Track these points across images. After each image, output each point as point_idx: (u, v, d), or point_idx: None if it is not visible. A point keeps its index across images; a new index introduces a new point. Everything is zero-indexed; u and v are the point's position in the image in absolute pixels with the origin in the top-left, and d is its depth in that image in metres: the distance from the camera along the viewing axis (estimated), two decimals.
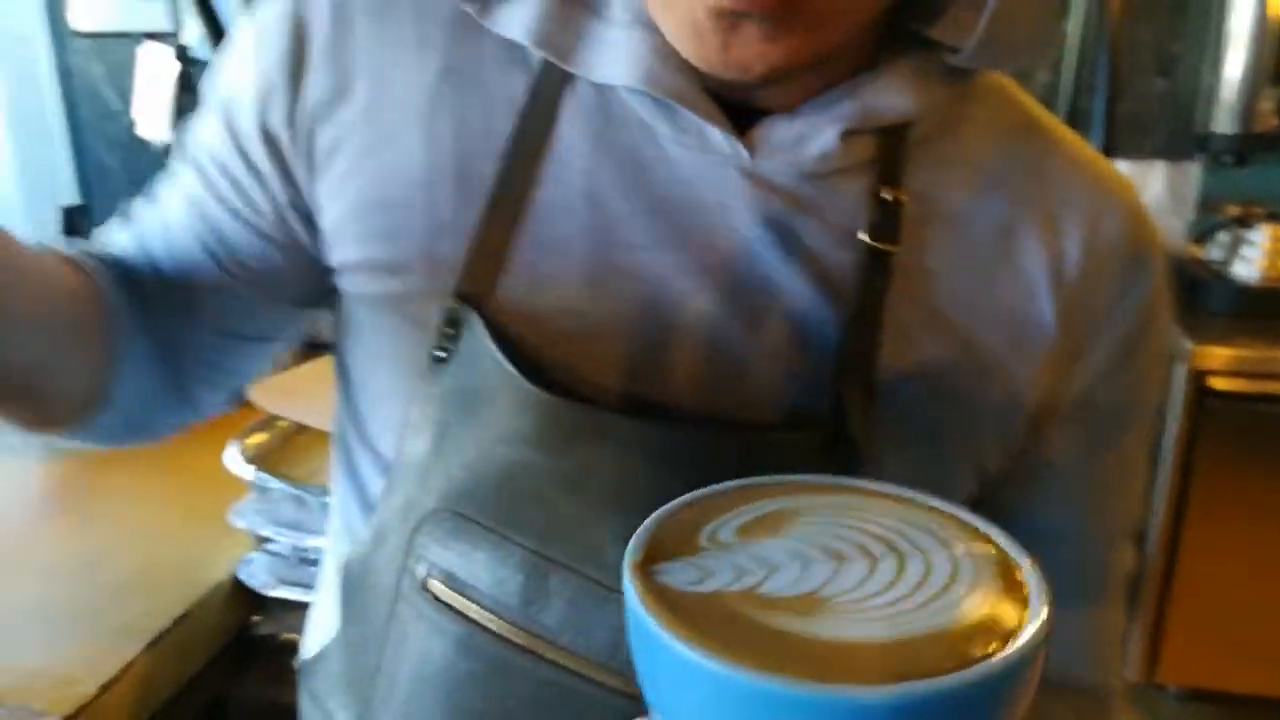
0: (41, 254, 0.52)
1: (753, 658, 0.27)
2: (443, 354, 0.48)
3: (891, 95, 0.48)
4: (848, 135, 0.47)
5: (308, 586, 1.00)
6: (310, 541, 1.00)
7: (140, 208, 0.59)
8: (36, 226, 2.07)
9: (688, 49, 0.43)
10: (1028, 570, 0.31)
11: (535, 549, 0.46)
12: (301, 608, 0.99)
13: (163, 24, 2.15)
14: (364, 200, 0.51)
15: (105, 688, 0.80)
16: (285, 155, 0.52)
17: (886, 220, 0.48)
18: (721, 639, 0.28)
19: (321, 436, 1.04)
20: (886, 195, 0.48)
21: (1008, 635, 0.28)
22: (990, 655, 0.27)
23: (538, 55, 0.49)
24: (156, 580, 0.97)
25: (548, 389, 0.46)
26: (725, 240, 0.48)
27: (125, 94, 2.07)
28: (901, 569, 0.31)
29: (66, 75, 2.47)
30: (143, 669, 0.85)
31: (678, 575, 0.31)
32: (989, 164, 0.51)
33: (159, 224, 0.57)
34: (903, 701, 0.26)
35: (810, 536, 0.33)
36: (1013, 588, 0.30)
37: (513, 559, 0.47)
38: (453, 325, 0.48)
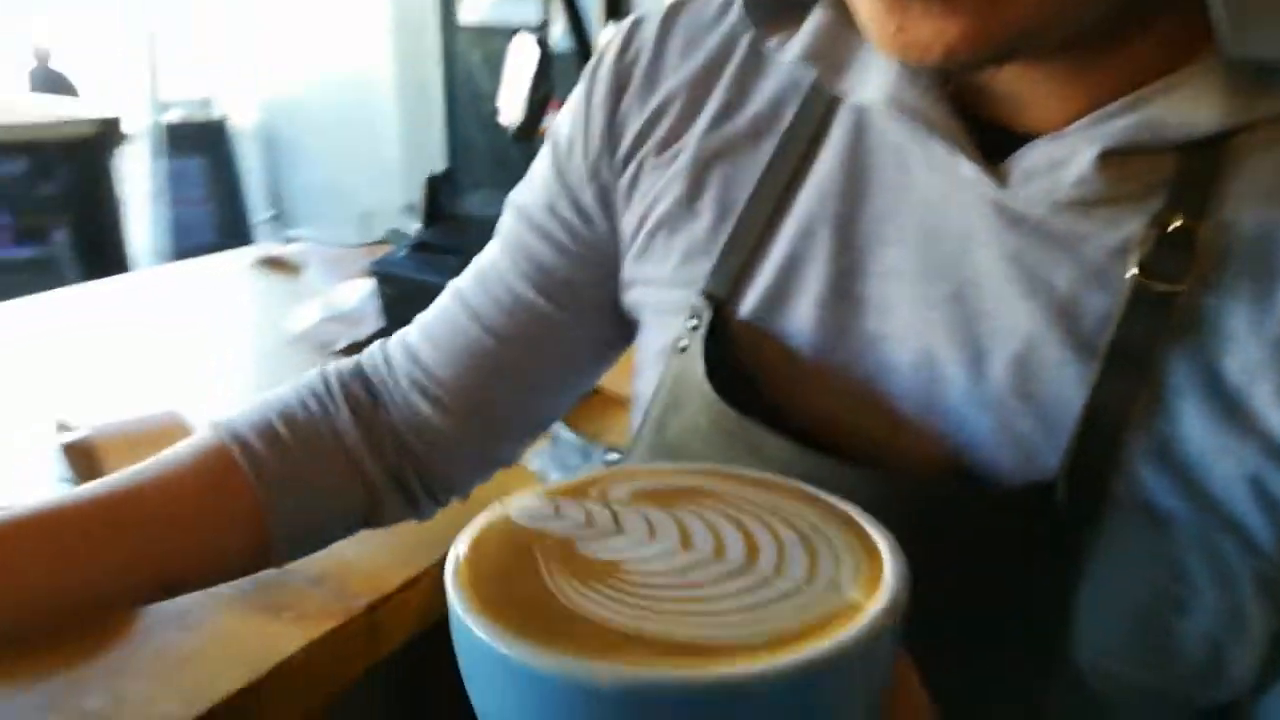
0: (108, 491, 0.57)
1: (489, 601, 0.27)
2: (684, 346, 0.50)
3: (1186, 106, 0.39)
4: (1122, 156, 0.40)
5: None
6: None
7: (455, 289, 0.66)
8: (410, 189, 2.34)
9: (872, 36, 0.40)
10: (868, 617, 0.27)
11: None
12: None
13: (535, 19, 2.36)
14: (640, 223, 0.56)
15: (404, 586, 0.92)
16: (609, 197, 0.58)
17: (1168, 255, 0.40)
18: (489, 572, 0.29)
19: (612, 400, 1.13)
20: (1175, 224, 0.40)
21: (751, 659, 0.25)
22: (679, 670, 0.24)
23: (807, 84, 0.50)
24: (457, 504, 1.10)
25: (757, 407, 0.45)
26: (962, 274, 0.44)
27: (494, 80, 2.29)
28: (740, 572, 0.29)
29: (450, 61, 2.77)
30: (434, 577, 0.96)
31: (530, 508, 0.32)
32: None
33: (479, 283, 0.64)
34: (552, 681, 0.25)
35: (687, 517, 0.31)
36: (828, 627, 0.27)
37: None
38: (696, 319, 0.50)
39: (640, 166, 0.55)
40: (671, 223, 0.54)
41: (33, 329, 1.50)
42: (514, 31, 2.04)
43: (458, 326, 0.63)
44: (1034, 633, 0.41)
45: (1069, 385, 0.41)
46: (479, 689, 0.28)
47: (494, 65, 2.52)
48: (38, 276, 2.87)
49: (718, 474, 0.35)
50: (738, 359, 0.49)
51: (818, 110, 0.50)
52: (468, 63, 2.73)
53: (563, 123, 0.60)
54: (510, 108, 1.93)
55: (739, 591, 0.28)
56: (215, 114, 4.52)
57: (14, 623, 0.54)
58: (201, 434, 0.61)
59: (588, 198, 0.59)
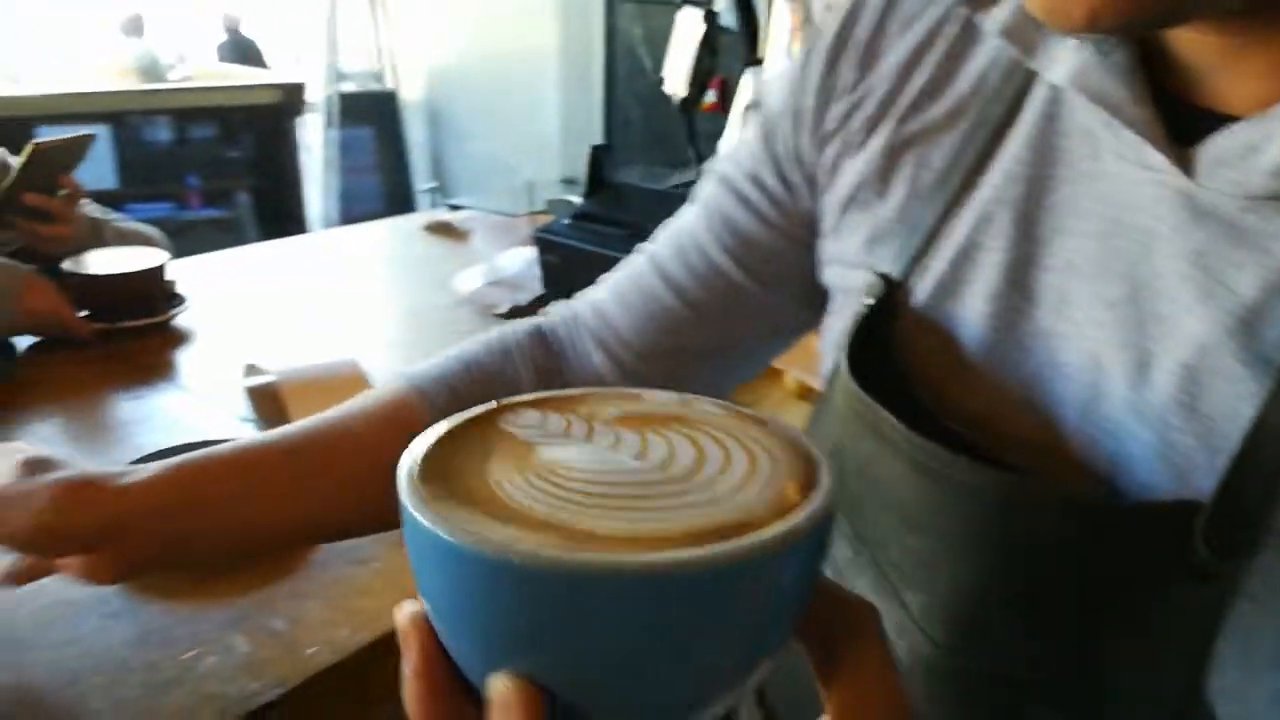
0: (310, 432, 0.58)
1: (426, 479, 0.29)
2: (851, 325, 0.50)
3: None
4: None
5: None
6: None
7: (650, 246, 0.65)
8: (567, 162, 2.40)
9: (1026, 3, 0.37)
10: (759, 534, 0.27)
11: (850, 523, 0.47)
12: None
13: None
14: (838, 201, 0.55)
15: None
16: (812, 170, 0.57)
17: None
18: (441, 455, 0.30)
19: (773, 371, 1.13)
20: None
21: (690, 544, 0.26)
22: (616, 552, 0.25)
23: (1004, 62, 0.48)
24: None
25: (903, 393, 0.44)
26: (1140, 274, 0.40)
27: (654, 55, 2.31)
28: (674, 481, 0.29)
29: (611, 36, 2.80)
30: None
31: (518, 410, 0.33)
32: None
33: (673, 248, 0.63)
34: (450, 548, 0.26)
35: (653, 436, 0.32)
36: (714, 536, 0.26)
37: (839, 529, 0.47)
38: (872, 299, 0.50)
39: (844, 145, 0.54)
40: (862, 202, 0.53)
41: (222, 282, 1.60)
42: (679, 5, 2.06)
43: (650, 291, 0.63)
44: (1168, 671, 0.38)
45: (1241, 402, 0.37)
46: (411, 555, 0.30)
47: (654, 40, 2.54)
48: (223, 235, 3.06)
49: (712, 407, 0.36)
50: (904, 345, 0.48)
51: (1012, 90, 0.47)
52: (629, 37, 2.76)
53: (773, 93, 0.60)
54: (675, 81, 1.94)
55: (658, 495, 0.28)
56: (386, 86, 4.71)
57: (208, 551, 0.57)
58: (388, 384, 0.63)
59: (793, 170, 0.58)
